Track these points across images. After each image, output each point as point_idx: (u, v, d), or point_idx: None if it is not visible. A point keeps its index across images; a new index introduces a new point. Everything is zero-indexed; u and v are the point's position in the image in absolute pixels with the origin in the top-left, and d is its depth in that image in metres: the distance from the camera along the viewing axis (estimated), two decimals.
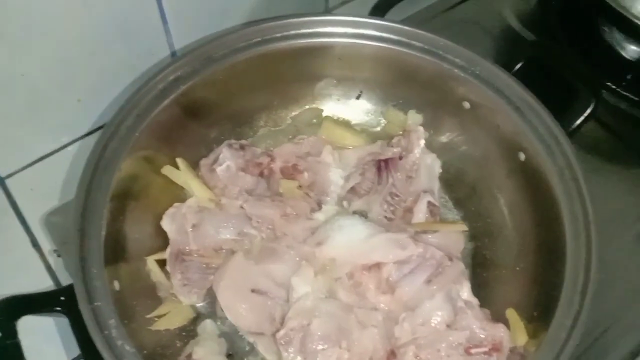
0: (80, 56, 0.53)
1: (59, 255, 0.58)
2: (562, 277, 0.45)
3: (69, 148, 0.60)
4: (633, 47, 0.72)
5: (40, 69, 0.51)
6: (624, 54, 0.73)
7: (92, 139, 0.60)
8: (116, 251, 0.47)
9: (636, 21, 0.63)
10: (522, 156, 0.52)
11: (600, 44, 0.74)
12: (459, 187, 0.58)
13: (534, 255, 0.51)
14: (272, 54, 0.55)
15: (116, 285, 0.45)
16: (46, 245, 0.61)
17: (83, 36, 0.52)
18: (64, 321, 0.45)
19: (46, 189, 0.60)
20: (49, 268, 0.64)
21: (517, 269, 0.52)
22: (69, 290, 0.44)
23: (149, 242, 0.52)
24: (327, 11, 0.72)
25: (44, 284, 0.64)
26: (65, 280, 0.64)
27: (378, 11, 0.70)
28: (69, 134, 0.60)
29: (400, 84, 0.59)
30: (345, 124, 0.62)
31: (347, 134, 0.60)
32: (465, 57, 0.54)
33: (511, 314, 0.49)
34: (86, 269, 0.42)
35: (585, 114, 0.54)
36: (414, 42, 0.54)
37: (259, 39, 0.54)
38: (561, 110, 0.54)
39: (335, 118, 0.62)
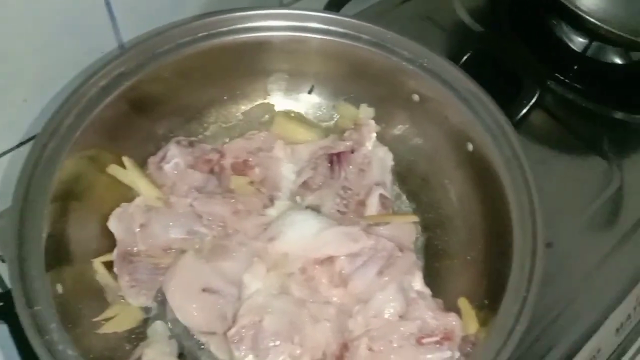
0: (25, 52, 0.52)
1: (3, 261, 0.56)
2: (510, 265, 0.46)
3: (14, 151, 0.58)
4: (579, 39, 0.74)
5: None
6: (571, 45, 0.75)
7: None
8: (59, 253, 0.46)
9: (582, 14, 0.65)
10: (470, 147, 0.53)
11: (549, 36, 0.75)
12: (411, 179, 0.59)
13: (484, 244, 0.52)
14: (219, 49, 0.54)
15: (59, 288, 0.44)
16: None
17: (29, 31, 0.51)
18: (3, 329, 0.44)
19: None
20: None
21: (468, 258, 0.52)
22: (7, 296, 0.42)
23: (95, 244, 0.51)
24: (282, 5, 0.72)
25: None
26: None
27: (332, 6, 0.69)
28: (15, 136, 0.58)
29: (351, 78, 0.59)
30: (298, 119, 0.61)
31: (299, 129, 0.60)
32: (413, 49, 0.54)
33: (463, 303, 0.50)
34: (25, 272, 0.41)
35: (530, 104, 0.55)
36: (362, 35, 0.54)
37: (205, 34, 0.53)
38: (508, 101, 0.55)
39: (287, 113, 0.61)
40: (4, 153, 0.58)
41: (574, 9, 0.65)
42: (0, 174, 0.58)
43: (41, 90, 0.56)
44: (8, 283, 0.62)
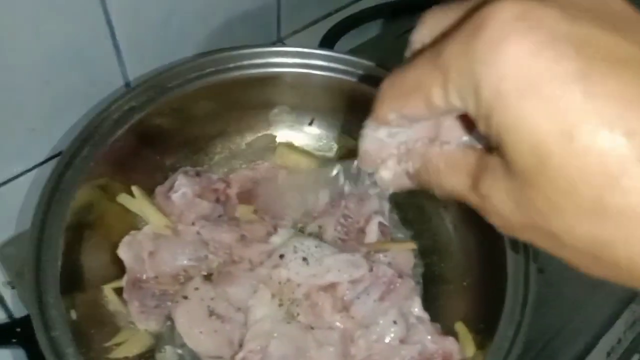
0: (33, 84, 0.54)
1: (13, 287, 0.57)
2: (504, 290, 0.48)
3: (21, 178, 0.60)
4: None
5: None
6: None
7: (47, 169, 0.61)
8: (72, 280, 0.47)
9: None
10: None
11: None
12: (408, 208, 0.61)
13: (479, 270, 0.54)
14: (226, 83, 0.56)
15: (73, 314, 0.45)
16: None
17: (36, 64, 0.53)
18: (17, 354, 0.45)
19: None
20: (1, 300, 0.63)
21: (464, 284, 0.54)
22: (24, 322, 0.44)
23: (105, 271, 0.52)
24: (280, 40, 0.75)
25: None
26: (18, 312, 0.63)
27: (327, 41, 0.73)
28: (22, 164, 0.60)
29: (349, 111, 0.61)
30: (299, 150, 0.64)
31: (301, 159, 0.62)
32: None
33: (460, 327, 0.52)
34: (42, 299, 0.43)
35: None
36: (359, 72, 0.57)
37: (213, 69, 0.56)
38: None
39: (289, 144, 0.64)
40: (11, 179, 0.59)
41: None
42: (6, 200, 0.60)
43: (48, 120, 0.58)
44: (13, 309, 0.64)
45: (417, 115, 0.26)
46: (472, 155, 0.26)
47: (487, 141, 0.25)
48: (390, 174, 0.30)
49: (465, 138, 0.27)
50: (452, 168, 0.27)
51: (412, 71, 0.25)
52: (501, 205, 0.24)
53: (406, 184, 0.31)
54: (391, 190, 0.33)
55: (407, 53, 0.29)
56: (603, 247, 0.21)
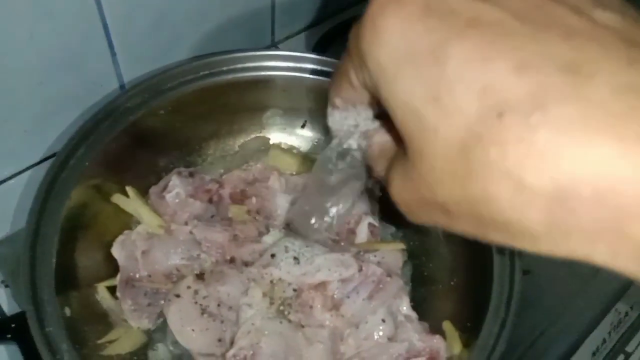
0: (27, 86, 0.54)
1: (6, 286, 0.57)
2: (490, 289, 0.49)
3: (13, 180, 0.61)
4: None
5: None
6: None
7: (39, 170, 0.61)
8: (67, 278, 0.48)
9: None
10: None
11: None
12: (397, 210, 0.62)
13: (466, 270, 0.55)
14: (220, 86, 0.57)
15: (67, 311, 0.46)
16: None
17: (30, 66, 0.53)
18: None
19: None
20: None
21: (452, 284, 0.56)
22: (19, 318, 0.44)
23: (99, 269, 0.53)
24: (273, 44, 0.76)
25: None
26: (11, 311, 0.63)
27: (320, 46, 0.74)
28: (15, 165, 0.60)
29: None
30: (291, 152, 0.65)
31: (293, 161, 0.63)
32: None
33: (447, 325, 0.53)
34: (37, 295, 0.43)
35: None
36: None
37: (207, 72, 0.57)
38: None
39: (281, 146, 0.65)
40: (3, 181, 0.60)
41: None
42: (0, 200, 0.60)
43: (41, 122, 0.58)
44: (6, 308, 0.64)
45: (351, 98, 0.29)
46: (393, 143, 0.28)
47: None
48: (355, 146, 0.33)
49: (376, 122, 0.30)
50: (381, 153, 0.29)
51: (343, 59, 0.27)
52: (400, 185, 0.25)
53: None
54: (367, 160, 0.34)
55: None
56: (480, 208, 0.22)
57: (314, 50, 0.74)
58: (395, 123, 0.24)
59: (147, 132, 0.57)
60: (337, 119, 0.31)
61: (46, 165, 0.59)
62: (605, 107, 0.19)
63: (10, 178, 0.61)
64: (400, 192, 0.26)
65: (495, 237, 0.23)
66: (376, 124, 0.30)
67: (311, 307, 0.51)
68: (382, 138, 0.30)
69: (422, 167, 0.23)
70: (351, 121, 0.31)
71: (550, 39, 0.20)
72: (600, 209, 0.19)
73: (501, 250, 0.50)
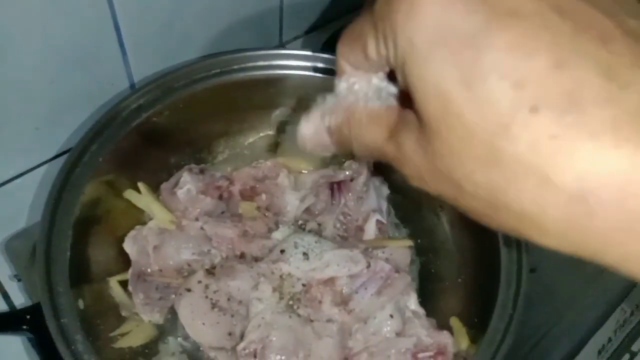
0: (39, 84, 0.55)
1: (19, 280, 0.58)
2: (497, 286, 0.49)
3: (25, 176, 0.61)
4: None
5: None
6: None
7: (52, 168, 0.62)
8: (80, 272, 0.49)
9: None
10: None
11: None
12: (405, 206, 0.63)
13: (473, 267, 0.56)
14: (230, 85, 0.58)
15: (81, 304, 0.47)
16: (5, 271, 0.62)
17: (42, 64, 0.54)
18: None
19: (2, 216, 0.60)
20: (4, 294, 0.64)
21: (459, 280, 0.56)
22: (34, 309, 0.45)
23: (111, 263, 0.54)
24: (281, 45, 0.77)
25: None
26: (21, 305, 0.64)
27: (328, 47, 0.75)
28: (26, 162, 0.61)
29: None
30: (300, 150, 0.65)
31: (301, 159, 0.64)
32: None
33: (455, 321, 0.53)
34: (52, 288, 0.44)
35: None
36: None
37: (218, 70, 0.58)
38: None
39: (290, 144, 0.66)
40: (15, 177, 0.61)
41: None
42: (11, 197, 0.61)
43: (52, 120, 0.59)
44: (16, 302, 0.65)
45: (361, 66, 0.28)
46: (393, 111, 0.28)
47: (405, 97, 0.26)
48: (311, 129, 0.33)
49: (391, 95, 0.28)
50: (373, 120, 0.28)
51: (357, 22, 0.27)
52: (412, 154, 0.25)
53: (325, 141, 0.32)
54: (308, 149, 0.34)
55: None
56: (497, 194, 0.22)
57: (321, 51, 0.75)
58: (415, 100, 0.24)
59: (158, 130, 0.57)
60: (343, 85, 0.30)
61: (58, 162, 0.60)
62: (637, 116, 0.19)
63: (21, 175, 0.61)
64: (414, 162, 0.25)
65: (504, 223, 0.23)
66: (390, 90, 0.28)
67: (320, 302, 0.52)
68: (381, 109, 0.28)
69: (441, 145, 0.23)
70: (358, 86, 0.29)
71: (589, 40, 0.20)
72: (619, 212, 0.20)
73: (509, 246, 0.51)
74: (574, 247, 0.22)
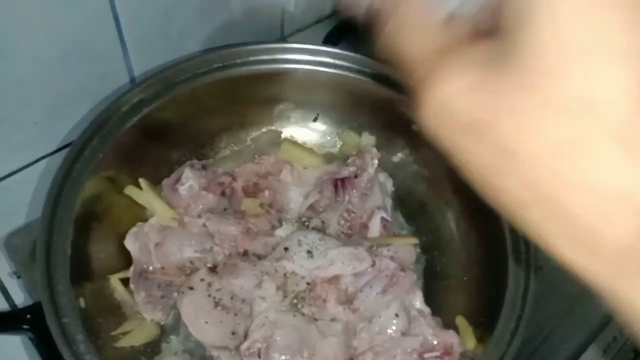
0: (39, 78, 0.54)
1: (19, 277, 0.57)
2: (505, 285, 0.49)
3: (25, 171, 0.61)
4: None
5: None
6: None
7: (50, 162, 0.61)
8: (81, 270, 0.48)
9: None
10: None
11: None
12: (410, 204, 0.62)
13: (480, 266, 0.55)
14: (233, 79, 0.57)
15: (82, 302, 0.46)
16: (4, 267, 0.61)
17: (42, 57, 0.53)
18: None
19: (1, 212, 0.60)
20: (4, 291, 0.63)
21: (465, 279, 0.56)
22: (34, 308, 0.44)
23: (112, 261, 0.53)
24: (283, 39, 0.76)
25: None
26: (21, 302, 0.63)
27: (330, 40, 0.74)
28: (26, 157, 0.60)
29: (354, 108, 0.62)
30: (303, 145, 0.65)
31: (305, 155, 0.63)
32: None
33: (461, 320, 0.53)
34: (53, 287, 0.43)
35: None
36: (364, 69, 0.58)
37: (220, 65, 0.57)
38: None
39: (293, 139, 0.65)
40: (15, 172, 0.60)
41: None
42: (11, 192, 0.60)
43: (51, 114, 0.58)
44: (17, 300, 0.64)
45: None
46: (455, 29, 0.23)
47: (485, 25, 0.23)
48: None
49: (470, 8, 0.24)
50: (426, 27, 0.24)
51: None
52: (458, 88, 0.22)
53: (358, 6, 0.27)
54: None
55: None
56: (570, 149, 0.20)
57: (323, 44, 0.74)
58: (510, 26, 0.20)
59: (159, 125, 0.57)
60: None
61: (57, 157, 0.59)
62: None
63: (21, 170, 0.61)
64: (453, 100, 0.22)
65: (540, 212, 0.21)
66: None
67: (324, 300, 0.51)
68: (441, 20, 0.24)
69: (512, 83, 0.20)
70: None
71: None
72: None
73: (516, 246, 0.50)
74: (588, 269, 0.21)
